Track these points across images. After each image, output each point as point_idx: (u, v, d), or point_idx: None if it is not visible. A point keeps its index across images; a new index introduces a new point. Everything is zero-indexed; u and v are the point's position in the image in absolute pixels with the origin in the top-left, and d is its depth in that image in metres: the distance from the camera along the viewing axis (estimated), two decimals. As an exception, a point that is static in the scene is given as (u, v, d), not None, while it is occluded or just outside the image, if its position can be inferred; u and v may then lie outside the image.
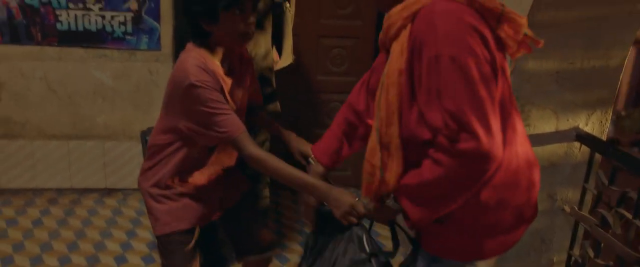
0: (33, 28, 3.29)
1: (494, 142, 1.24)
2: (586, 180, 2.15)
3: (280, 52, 2.87)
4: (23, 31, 3.29)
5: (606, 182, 2.01)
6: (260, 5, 2.42)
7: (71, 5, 3.27)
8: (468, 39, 1.24)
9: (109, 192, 3.63)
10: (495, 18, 1.30)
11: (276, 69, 2.85)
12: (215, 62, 1.71)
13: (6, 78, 3.38)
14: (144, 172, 1.88)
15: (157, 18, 3.32)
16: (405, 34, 1.31)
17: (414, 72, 1.29)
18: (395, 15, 1.34)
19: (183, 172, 1.83)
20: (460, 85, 1.22)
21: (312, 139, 3.81)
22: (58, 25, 3.30)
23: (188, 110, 1.68)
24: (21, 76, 3.39)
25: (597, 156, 2.13)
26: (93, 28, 3.32)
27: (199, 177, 1.86)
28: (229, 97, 1.74)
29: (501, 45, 1.33)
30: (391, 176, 1.39)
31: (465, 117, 1.22)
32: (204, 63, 1.66)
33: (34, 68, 3.38)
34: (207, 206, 1.90)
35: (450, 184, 1.30)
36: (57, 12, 3.27)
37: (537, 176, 1.50)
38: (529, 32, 1.37)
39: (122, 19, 3.30)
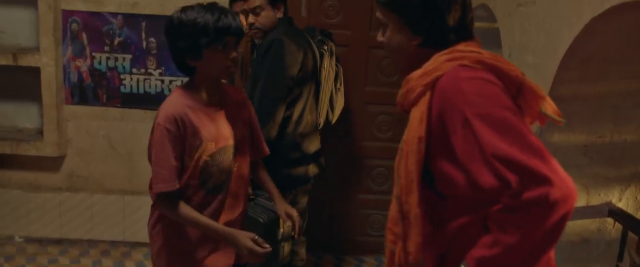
0: (100, 90, 3.58)
1: (564, 176, 1.11)
2: (620, 259, 2.06)
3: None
4: (91, 93, 3.59)
5: (638, 261, 1.92)
6: (299, 74, 2.55)
7: (134, 70, 3.55)
8: (498, 96, 1.22)
9: (159, 247, 3.77)
10: (516, 87, 1.29)
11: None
12: (197, 97, 1.85)
13: (73, 135, 3.67)
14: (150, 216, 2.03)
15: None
16: (424, 101, 1.29)
17: (448, 139, 1.25)
18: (414, 81, 1.32)
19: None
20: (504, 135, 1.15)
21: (357, 202, 3.83)
22: (122, 88, 3.58)
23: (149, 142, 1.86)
24: (87, 134, 3.66)
25: (632, 234, 2.05)
26: (153, 91, 3.58)
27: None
28: (204, 131, 1.83)
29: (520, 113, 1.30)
30: (412, 245, 1.35)
31: (523, 162, 1.11)
32: (179, 109, 1.80)
33: (98, 127, 3.65)
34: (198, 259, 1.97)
35: (534, 242, 1.15)
36: (122, 76, 3.56)
37: (552, 251, 1.45)
38: (547, 109, 1.34)
39: (179, 83, 3.54)
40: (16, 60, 3.40)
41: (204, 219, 1.85)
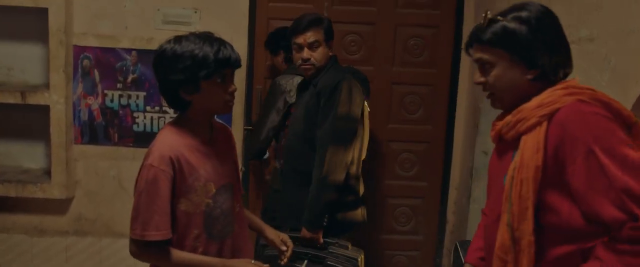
0: (111, 129, 3.42)
1: None
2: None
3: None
4: (101, 132, 3.42)
5: None
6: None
7: (148, 108, 3.40)
8: (619, 132, 1.29)
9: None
10: (627, 126, 1.33)
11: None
12: (191, 134, 1.72)
13: (82, 176, 3.48)
14: None
15: (229, 123, 3.39)
16: (540, 131, 1.33)
17: (563, 169, 1.31)
18: (528, 111, 1.37)
19: None
20: (631, 172, 1.24)
21: (380, 242, 3.66)
22: (134, 127, 3.42)
23: (136, 184, 1.68)
24: (96, 174, 3.49)
25: None
26: (167, 130, 3.42)
27: None
28: (203, 171, 1.71)
29: None
30: None
31: None
32: (174, 149, 1.65)
33: (108, 167, 3.48)
34: None
35: None
36: (135, 115, 3.41)
37: None
38: None
39: (195, 121, 3.39)
40: (25, 98, 3.23)
41: (198, 257, 1.71)
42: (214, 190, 1.74)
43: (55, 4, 3.17)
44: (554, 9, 2.27)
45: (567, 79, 1.44)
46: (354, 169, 2.44)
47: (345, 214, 2.46)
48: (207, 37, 1.66)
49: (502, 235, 1.40)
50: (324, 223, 2.36)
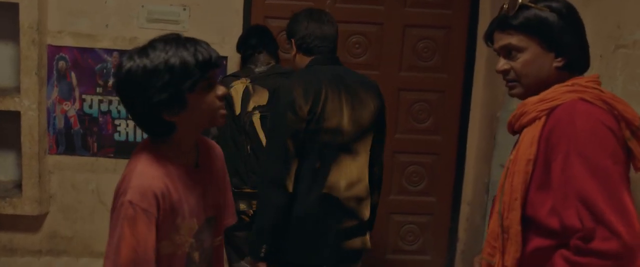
0: (90, 138, 3.10)
1: (637, 235, 1.22)
2: None
3: None
4: (79, 141, 3.10)
5: None
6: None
7: (131, 115, 3.08)
8: (608, 141, 1.27)
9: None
10: (630, 130, 1.32)
11: None
12: (174, 160, 1.41)
13: (57, 190, 3.17)
14: None
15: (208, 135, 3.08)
16: (538, 125, 1.36)
17: (549, 164, 1.33)
18: (530, 105, 1.40)
19: None
20: (598, 183, 1.24)
21: (384, 263, 3.36)
22: (116, 136, 3.10)
23: (111, 226, 1.34)
24: (72, 188, 3.16)
25: None
26: (152, 139, 3.11)
27: None
28: (186, 206, 1.41)
29: (628, 157, 1.34)
30: (509, 259, 1.42)
31: (605, 215, 1.22)
32: (159, 182, 1.34)
33: (87, 180, 3.15)
34: None
35: None
36: (116, 122, 3.09)
37: None
38: None
39: (183, 130, 3.09)
40: (-8, 103, 2.91)
41: None
42: (196, 227, 1.45)
43: (26, -2, 2.85)
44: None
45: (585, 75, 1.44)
46: (357, 190, 2.12)
47: (344, 242, 2.13)
48: (175, 40, 1.34)
49: (494, 222, 1.46)
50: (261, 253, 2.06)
